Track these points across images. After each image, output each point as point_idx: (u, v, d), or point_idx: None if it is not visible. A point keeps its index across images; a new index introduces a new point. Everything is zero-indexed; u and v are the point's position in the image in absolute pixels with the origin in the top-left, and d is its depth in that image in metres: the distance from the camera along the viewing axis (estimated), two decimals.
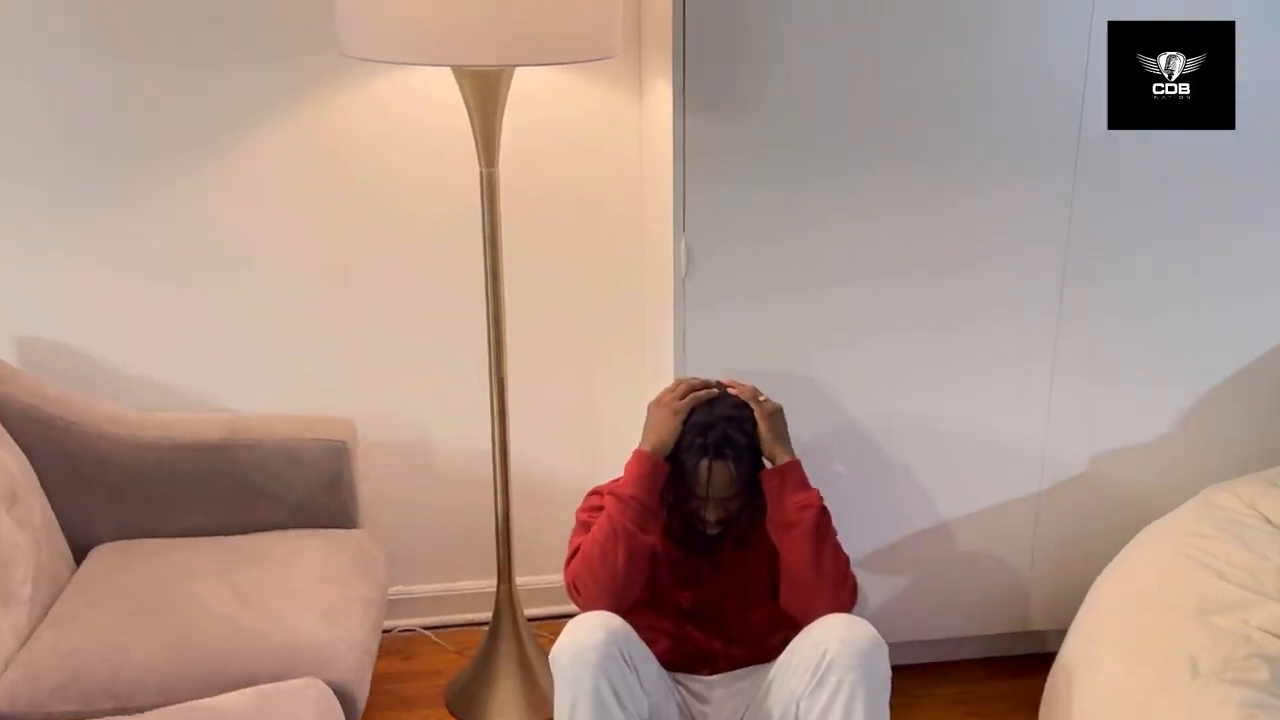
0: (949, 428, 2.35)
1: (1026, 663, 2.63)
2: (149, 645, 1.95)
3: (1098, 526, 2.46)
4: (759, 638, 2.10)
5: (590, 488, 2.17)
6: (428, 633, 2.75)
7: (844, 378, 2.28)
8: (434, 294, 2.56)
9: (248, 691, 1.85)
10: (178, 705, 1.82)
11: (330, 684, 1.92)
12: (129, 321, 2.49)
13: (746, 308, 2.21)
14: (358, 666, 2.00)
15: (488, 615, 2.64)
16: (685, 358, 2.21)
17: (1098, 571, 2.32)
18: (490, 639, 2.51)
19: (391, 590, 2.63)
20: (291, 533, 2.35)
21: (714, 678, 2.08)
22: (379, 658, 2.51)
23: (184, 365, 2.54)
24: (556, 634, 2.73)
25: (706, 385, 2.04)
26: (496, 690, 2.46)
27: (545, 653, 2.54)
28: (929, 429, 2.35)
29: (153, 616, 2.03)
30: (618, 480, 2.01)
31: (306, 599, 2.10)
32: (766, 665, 2.07)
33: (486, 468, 2.48)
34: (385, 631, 2.68)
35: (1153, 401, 2.40)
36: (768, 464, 2.01)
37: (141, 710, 1.84)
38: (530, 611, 2.62)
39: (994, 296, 2.28)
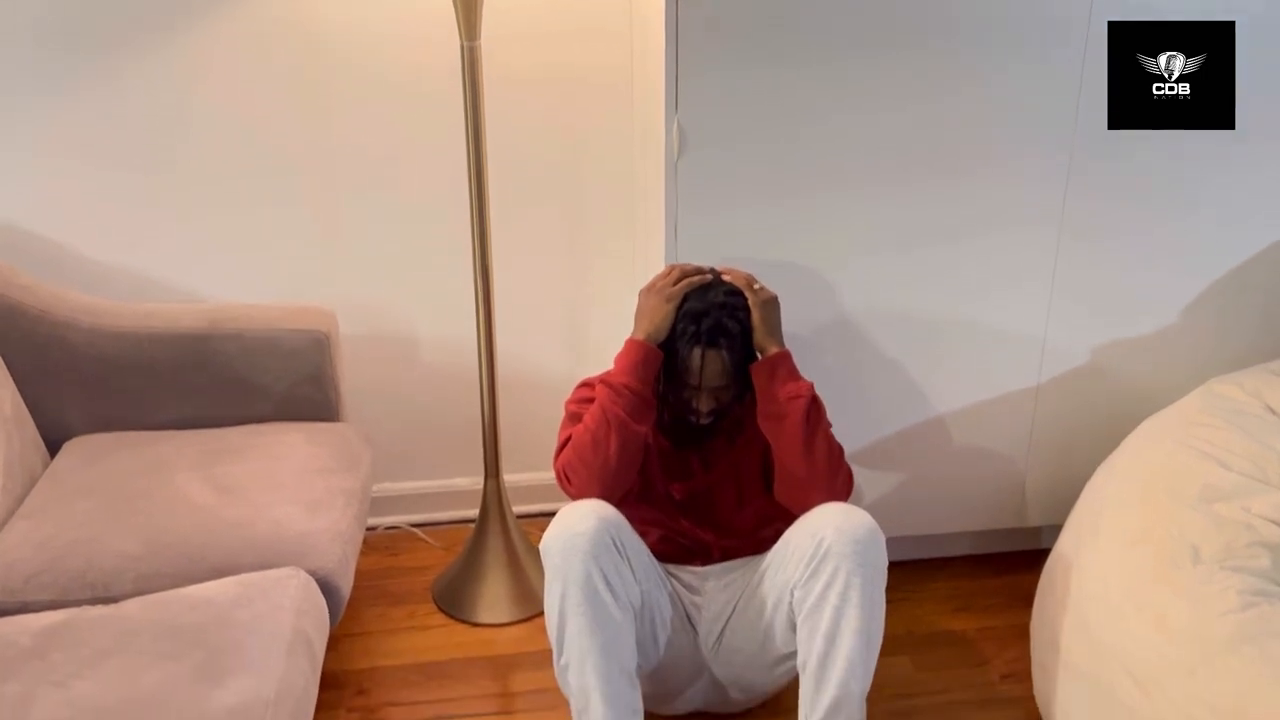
0: (947, 319, 2.28)
1: (1019, 559, 2.60)
2: (126, 536, 1.90)
3: (1095, 420, 2.41)
4: (751, 530, 2.06)
5: (579, 380, 2.11)
6: (414, 529, 2.71)
7: (840, 267, 2.21)
8: (416, 181, 2.46)
9: (229, 580, 1.80)
10: (157, 594, 1.78)
11: (313, 574, 1.88)
12: (103, 210, 2.39)
13: (741, 193, 2.13)
14: (340, 557, 1.95)
15: (475, 512, 2.59)
16: (677, 244, 2.14)
17: (1095, 465, 2.28)
18: (478, 535, 2.47)
19: (377, 487, 2.59)
20: (273, 425, 2.29)
21: (706, 569, 2.04)
22: (365, 554, 2.48)
23: (160, 255, 2.45)
24: (544, 530, 2.75)
25: (700, 271, 1.96)
26: (484, 586, 2.42)
27: (534, 549, 2.51)
28: (926, 321, 2.28)
29: (129, 507, 1.97)
30: (609, 371, 1.95)
31: (288, 491, 2.05)
32: (759, 556, 2.03)
33: (472, 361, 2.42)
34: (371, 529, 2.64)
35: (1154, 293, 2.33)
36: (759, 355, 1.95)
37: (118, 600, 1.79)
38: (518, 509, 2.57)
39: (997, 187, 2.19)
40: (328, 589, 1.90)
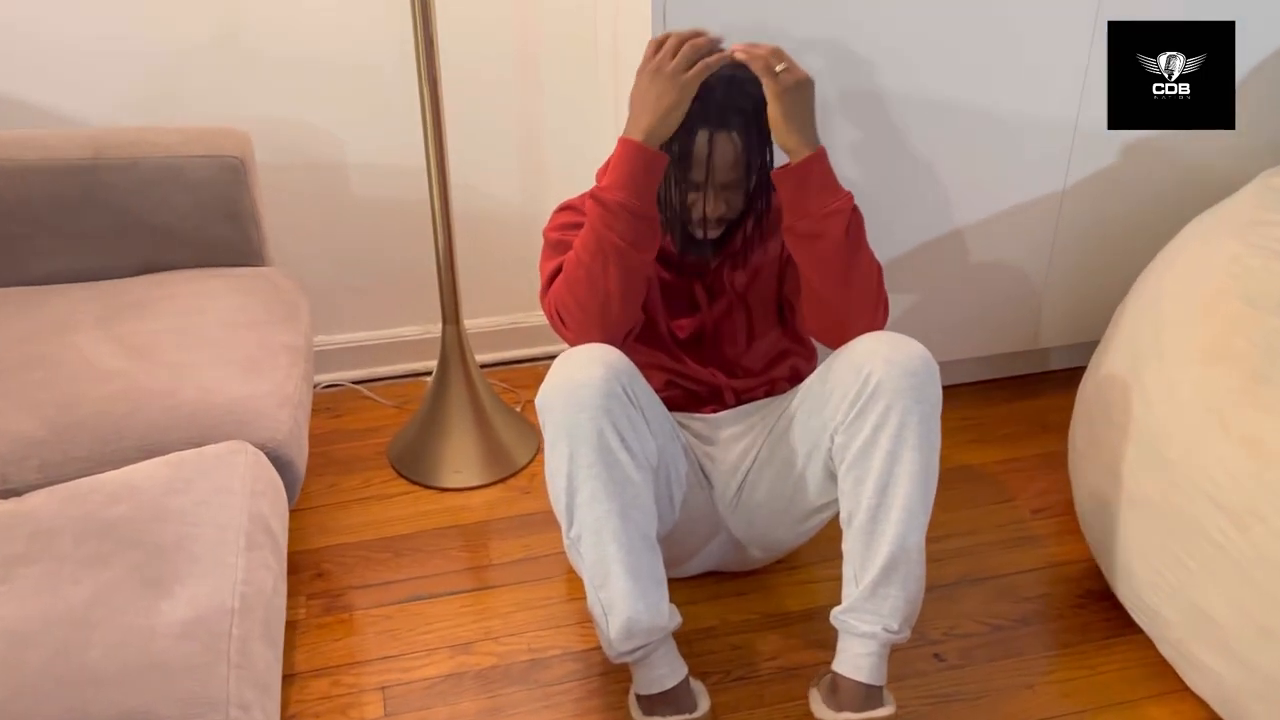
0: (969, 109, 1.99)
1: (1029, 383, 2.40)
2: (21, 415, 1.54)
3: (1125, 228, 2.18)
4: (764, 368, 1.78)
5: (549, 208, 1.78)
6: (359, 387, 2.38)
7: (852, 43, 1.89)
8: None
9: (156, 462, 1.47)
10: (70, 483, 1.44)
11: (261, 447, 1.56)
12: None
13: None
14: (291, 424, 1.63)
15: (426, 365, 2.28)
16: (666, 16, 1.78)
17: (1121, 278, 2.06)
18: (437, 389, 2.15)
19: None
20: (184, 273, 1.91)
21: (719, 415, 1.77)
22: None
23: (29, 73, 2.01)
24: (511, 382, 2.47)
25: (713, 44, 1.55)
26: (448, 445, 2.13)
27: (501, 401, 2.21)
28: (947, 113, 1.99)
29: (21, 380, 1.61)
30: (599, 185, 1.61)
31: (216, 349, 1.70)
32: (777, 398, 1.77)
33: (413, 192, 2.06)
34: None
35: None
36: (782, 156, 1.63)
37: (20, 494, 1.45)
38: (479, 358, 2.26)
39: None
40: (281, 463, 1.58)
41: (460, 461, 2.11)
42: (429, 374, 2.23)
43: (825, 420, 1.59)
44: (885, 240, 2.04)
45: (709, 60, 1.53)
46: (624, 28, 1.95)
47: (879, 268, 1.64)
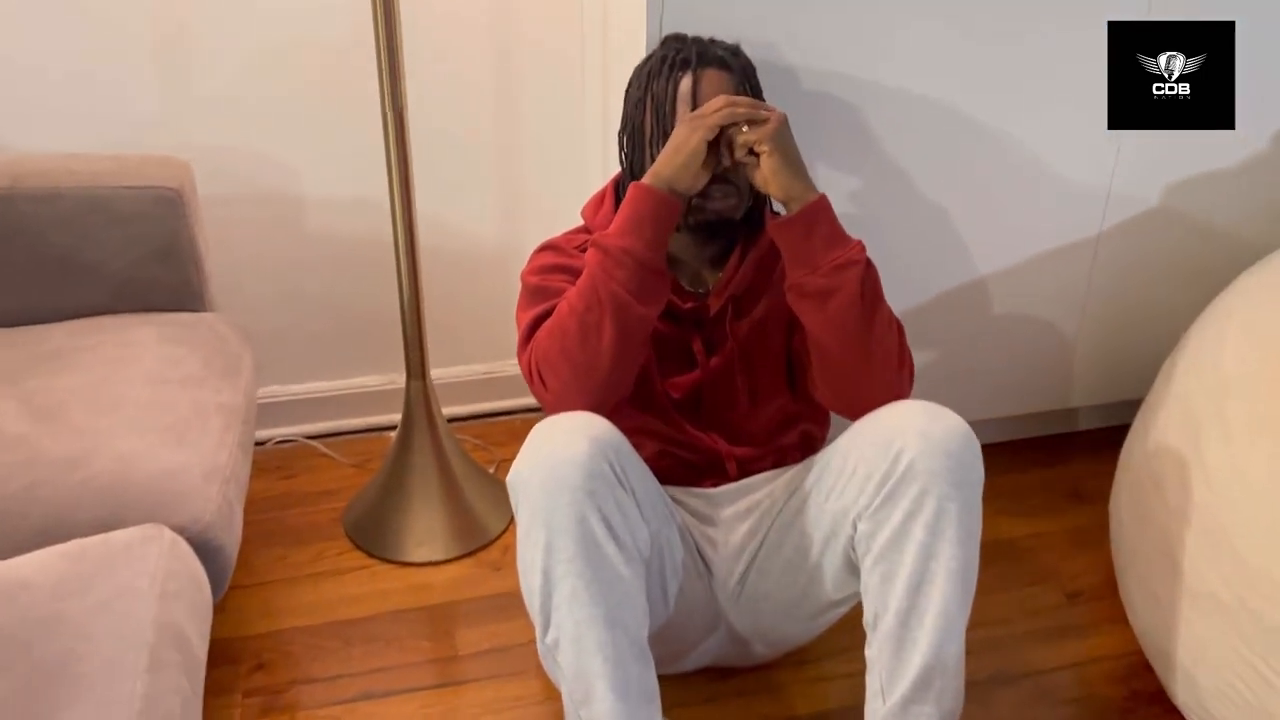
0: (995, 144, 1.78)
1: (1055, 445, 2.18)
2: None
3: (1166, 272, 1.97)
4: (771, 434, 1.56)
5: (527, 248, 1.56)
6: (315, 443, 2.14)
7: (869, 73, 1.68)
8: None
9: (53, 552, 1.23)
10: None
11: (182, 530, 1.32)
12: None
13: None
14: (220, 502, 1.39)
15: (390, 419, 2.05)
16: (663, 30, 1.56)
17: (1163, 331, 1.85)
18: (399, 450, 1.91)
19: (263, 391, 2.01)
20: (115, 319, 1.68)
21: (719, 490, 1.54)
22: (252, 477, 1.93)
23: None
24: (485, 438, 2.24)
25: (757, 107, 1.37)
26: (411, 514, 1.88)
27: (472, 463, 1.98)
28: (970, 149, 1.78)
29: None
30: (604, 231, 1.39)
31: (138, 410, 1.46)
32: (784, 470, 1.55)
33: (375, 228, 1.84)
34: (258, 444, 2.07)
35: (1243, 115, 1.87)
36: (779, 212, 1.43)
37: None
38: (446, 412, 2.02)
39: None
40: (206, 551, 1.34)
41: (424, 533, 1.87)
42: (393, 428, 2.00)
43: (846, 503, 1.36)
44: (901, 290, 1.83)
45: (736, 110, 1.34)
46: (615, 44, 1.74)
47: (899, 325, 1.42)
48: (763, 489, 1.53)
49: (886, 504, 1.30)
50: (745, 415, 1.54)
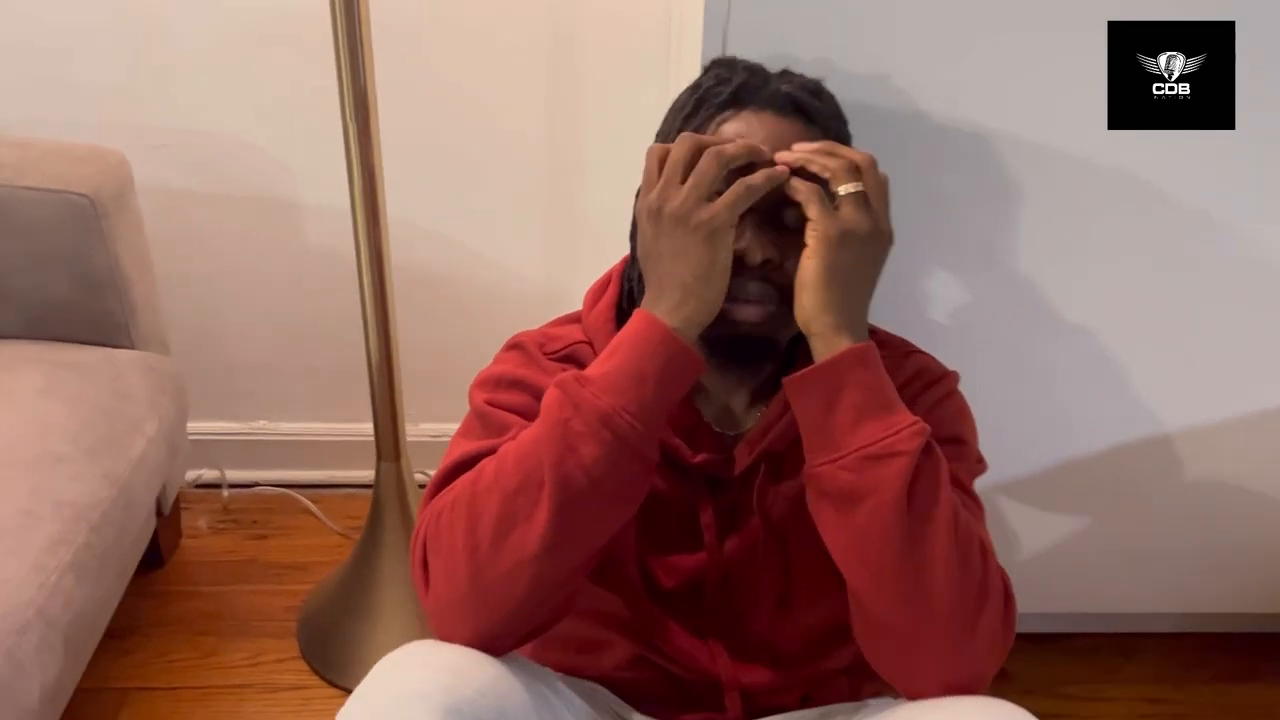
0: (1180, 260, 1.20)
1: (1247, 648, 1.57)
2: None
3: None
4: (803, 654, 1.04)
5: (503, 336, 1.07)
6: (299, 495, 1.76)
7: (1030, 130, 1.14)
8: None
9: None
10: None
11: None
12: None
13: None
14: (23, 660, 1.01)
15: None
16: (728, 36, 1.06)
17: None
18: (365, 547, 1.49)
19: (250, 428, 1.66)
20: (10, 349, 1.34)
21: None
22: (221, 532, 1.59)
23: None
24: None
25: (748, 149, 0.86)
26: (376, 630, 1.46)
27: None
28: (1176, 229, 1.20)
29: None
30: (587, 368, 0.89)
31: None
32: (817, 714, 1.04)
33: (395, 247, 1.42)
34: (241, 486, 1.73)
35: None
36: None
37: None
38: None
39: None
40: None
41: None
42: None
43: None
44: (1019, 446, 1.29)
45: (752, 181, 0.84)
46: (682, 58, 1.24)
47: (977, 540, 0.87)
48: None
49: None
50: (770, 621, 1.03)
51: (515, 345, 1.05)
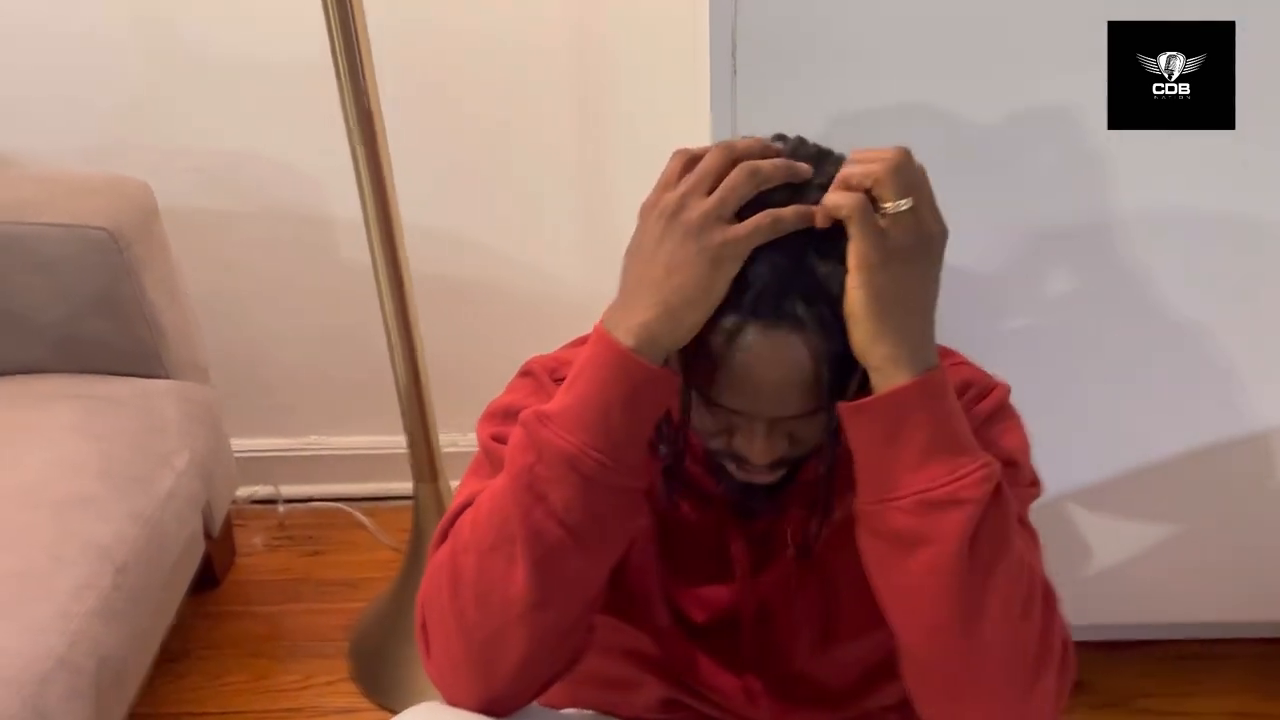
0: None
1: None
2: None
3: None
4: (850, 691, 0.98)
5: (522, 358, 1.02)
6: (352, 509, 1.75)
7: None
8: None
9: None
10: None
11: None
12: None
13: None
14: None
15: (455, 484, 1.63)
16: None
17: None
18: (408, 571, 1.47)
19: (300, 443, 1.65)
20: (44, 382, 1.35)
21: None
22: (272, 550, 1.58)
23: None
24: None
25: (784, 169, 0.76)
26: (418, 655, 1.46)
27: None
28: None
29: None
30: (539, 408, 0.81)
31: None
32: None
33: (423, 260, 1.39)
34: (295, 501, 1.72)
35: None
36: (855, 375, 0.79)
37: None
38: None
39: None
40: None
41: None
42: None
43: None
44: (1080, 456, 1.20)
45: (781, 216, 0.73)
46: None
47: (1041, 590, 0.79)
48: None
49: None
50: (811, 660, 0.97)
51: (526, 372, 0.99)
